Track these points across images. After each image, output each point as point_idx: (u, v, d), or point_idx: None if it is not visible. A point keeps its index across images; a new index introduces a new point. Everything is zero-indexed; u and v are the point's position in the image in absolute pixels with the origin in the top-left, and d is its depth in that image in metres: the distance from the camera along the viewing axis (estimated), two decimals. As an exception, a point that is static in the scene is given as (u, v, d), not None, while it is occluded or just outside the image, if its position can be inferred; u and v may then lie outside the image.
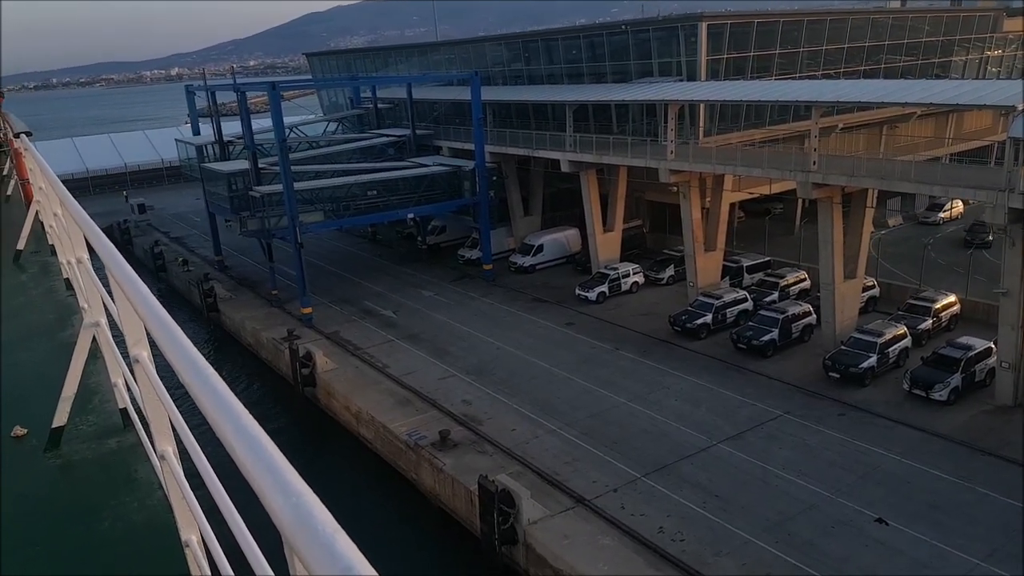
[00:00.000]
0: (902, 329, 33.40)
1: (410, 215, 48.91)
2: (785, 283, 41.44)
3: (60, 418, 5.23)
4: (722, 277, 43.15)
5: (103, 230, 4.20)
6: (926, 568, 21.09)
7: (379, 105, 59.90)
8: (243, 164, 46.44)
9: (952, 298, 36.87)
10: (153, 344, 2.87)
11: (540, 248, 50.97)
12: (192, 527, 3.19)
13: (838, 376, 31.93)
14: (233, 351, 45.60)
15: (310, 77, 79.55)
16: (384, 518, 28.59)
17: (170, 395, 3.06)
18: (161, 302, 2.80)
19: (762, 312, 36.99)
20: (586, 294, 44.11)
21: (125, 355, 3.66)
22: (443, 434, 29.03)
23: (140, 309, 2.79)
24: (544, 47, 54.71)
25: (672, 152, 39.64)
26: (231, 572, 2.39)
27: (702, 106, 44.12)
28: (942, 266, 43.71)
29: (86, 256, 5.31)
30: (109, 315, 4.61)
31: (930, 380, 29.75)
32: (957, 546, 21.79)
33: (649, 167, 41.16)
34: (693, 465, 26.97)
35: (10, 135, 18.46)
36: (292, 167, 43.85)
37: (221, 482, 2.28)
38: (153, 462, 3.80)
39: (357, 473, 31.98)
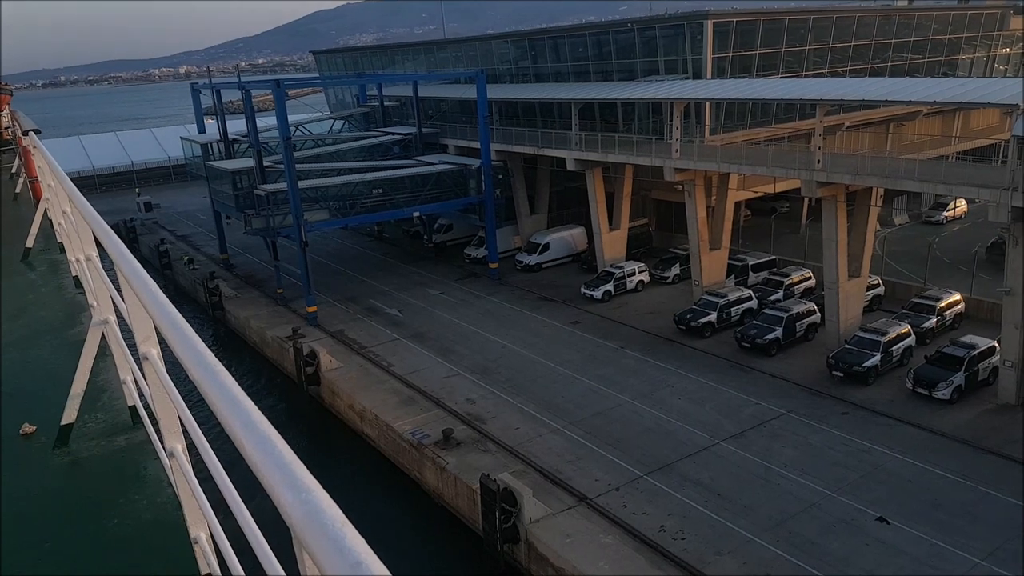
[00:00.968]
0: (906, 328, 33.35)
1: (415, 213, 49.03)
2: (790, 282, 41.40)
3: (69, 415, 5.26)
4: (727, 276, 43.14)
5: None
6: (927, 567, 21.11)
7: (385, 103, 60.05)
8: (248, 162, 46.67)
9: (956, 296, 36.79)
10: (162, 341, 2.88)
11: (546, 247, 51.06)
12: (201, 524, 3.23)
13: (842, 375, 31.93)
14: (238, 350, 45.86)
15: (317, 75, 79.68)
16: (387, 517, 28.76)
17: (179, 392, 3.08)
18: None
19: (766, 311, 36.99)
20: (592, 293, 44.17)
21: (134, 352, 3.69)
22: (446, 433, 29.17)
23: (149, 306, 2.80)
24: (551, 45, 54.71)
25: (677, 151, 39.63)
26: (240, 569, 2.41)
27: (708, 104, 44.06)
28: (947, 264, 43.57)
29: (95, 253, 5.33)
30: (118, 312, 4.63)
31: (933, 379, 29.72)
32: (958, 545, 21.80)
33: (654, 166, 41.16)
34: (696, 464, 27.03)
35: (19, 133, 18.63)
36: (297, 165, 44.05)
37: (230, 479, 2.29)
38: (162, 459, 3.83)
39: (361, 472, 32.12)
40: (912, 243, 48.20)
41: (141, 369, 3.59)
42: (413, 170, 49.06)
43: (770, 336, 35.10)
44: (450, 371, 36.11)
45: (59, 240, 10.63)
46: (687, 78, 44.83)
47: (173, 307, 2.65)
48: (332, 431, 35.26)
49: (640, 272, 45.51)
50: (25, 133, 14.23)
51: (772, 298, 39.70)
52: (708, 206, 41.71)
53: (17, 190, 17.72)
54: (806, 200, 48.93)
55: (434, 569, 26.44)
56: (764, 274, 43.37)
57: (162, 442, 3.39)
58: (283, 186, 42.87)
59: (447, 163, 50.37)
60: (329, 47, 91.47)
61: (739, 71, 45.55)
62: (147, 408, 4.73)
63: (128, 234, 67.04)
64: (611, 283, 44.28)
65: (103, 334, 5.18)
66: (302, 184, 43.23)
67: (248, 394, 1.96)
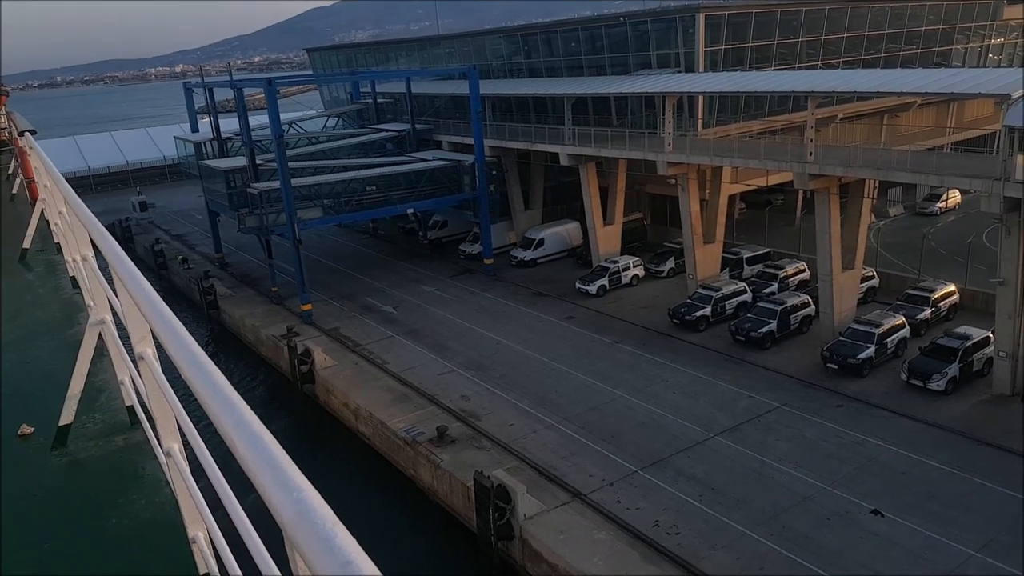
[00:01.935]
0: (900, 319, 33.31)
1: (410, 210, 48.96)
2: (784, 274, 41.35)
3: (67, 416, 5.24)
4: (722, 269, 43.08)
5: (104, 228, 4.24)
6: (921, 559, 21.10)
7: (379, 100, 59.89)
8: (241, 161, 46.54)
9: (951, 287, 36.74)
10: (157, 342, 2.91)
11: (541, 242, 50.99)
12: (199, 524, 3.22)
13: (836, 367, 31.90)
14: (233, 348, 45.82)
15: (311, 73, 79.51)
16: (382, 515, 28.73)
17: (175, 392, 3.08)
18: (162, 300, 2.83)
19: (760, 304, 36.95)
20: (586, 288, 44.12)
21: (131, 352, 3.69)
22: (441, 430, 29.13)
23: (144, 307, 2.81)
24: (543, 40, 54.54)
25: (670, 145, 39.53)
26: (238, 569, 2.41)
27: (700, 98, 43.94)
28: (942, 255, 43.52)
29: (91, 254, 5.31)
30: (115, 313, 4.63)
31: (928, 370, 29.68)
32: (952, 537, 21.78)
33: (647, 160, 41.06)
34: (690, 458, 27.01)
35: (15, 134, 18.55)
36: (291, 163, 43.93)
37: (226, 478, 2.30)
38: (159, 459, 3.81)
39: (356, 470, 32.11)
40: (906, 234, 48.18)
41: (138, 369, 3.59)
42: (407, 167, 48.97)
43: (764, 329, 35.05)
44: (445, 368, 36.06)
45: (56, 240, 10.60)
46: (680, 71, 44.70)
47: (167, 308, 2.66)
48: (327, 429, 35.22)
49: (635, 266, 45.45)
50: (21, 134, 14.18)
51: (766, 291, 39.65)
52: (702, 200, 41.63)
53: (14, 191, 17.65)
54: (801, 193, 48.86)
55: (429, 567, 26.42)
56: (759, 267, 43.32)
57: (159, 442, 3.39)
58: (276, 184, 42.77)
59: (441, 159, 50.27)
60: (325, 44, 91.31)
61: (732, 64, 45.41)
62: (144, 408, 4.72)
63: (123, 234, 66.91)
64: (606, 278, 44.22)
65: (100, 334, 5.18)
66: (295, 182, 43.12)
67: (243, 393, 1.95)
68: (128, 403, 5.43)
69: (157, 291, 2.90)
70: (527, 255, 50.48)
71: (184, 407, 2.99)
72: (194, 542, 3.31)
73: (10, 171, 20.26)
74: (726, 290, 38.75)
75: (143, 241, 64.35)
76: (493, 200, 50.10)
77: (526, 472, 26.59)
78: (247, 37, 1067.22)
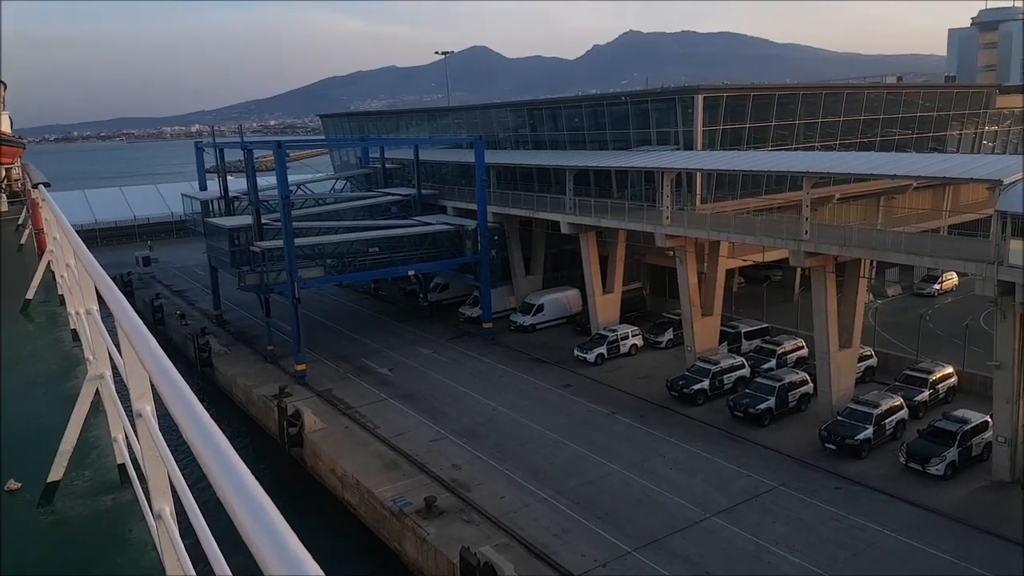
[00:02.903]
0: (899, 400, 33.01)
1: (411, 272, 49.26)
2: (783, 350, 41.23)
3: (56, 472, 5.13)
4: (720, 342, 42.98)
5: None
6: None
7: (387, 165, 61.00)
8: (246, 219, 47.12)
9: (949, 369, 36.54)
10: (157, 399, 2.85)
11: (541, 308, 51.10)
12: None
13: (834, 447, 31.44)
14: (224, 408, 45.22)
15: (323, 138, 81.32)
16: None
17: (171, 452, 3.02)
18: None
19: (759, 380, 36.69)
20: (585, 355, 43.96)
21: (128, 409, 3.64)
22: (429, 501, 28.47)
23: (147, 363, 2.77)
24: (549, 115, 55.95)
25: (668, 218, 40.01)
26: None
27: (698, 174, 44.71)
28: (940, 337, 43.44)
29: (95, 307, 5.31)
30: (114, 368, 4.59)
31: (926, 454, 29.24)
32: (953, 630, 21.05)
33: (646, 231, 41.51)
34: (685, 539, 26.33)
35: (29, 185, 18.85)
36: (297, 223, 44.41)
37: (218, 544, 2.23)
38: (148, 521, 3.74)
39: (340, 541, 31.11)
40: (904, 315, 48.23)
41: (133, 426, 3.53)
42: (410, 229, 49.49)
43: (763, 406, 34.72)
44: (437, 434, 35.59)
45: (60, 293, 10.62)
46: (678, 149, 45.60)
47: (171, 365, 2.61)
48: (313, 496, 34.39)
49: (634, 336, 45.39)
50: (35, 186, 14.41)
51: (765, 367, 39.45)
52: (700, 273, 41.87)
53: (22, 241, 17.83)
54: (799, 269, 49.16)
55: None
56: (757, 342, 43.22)
57: (150, 503, 3.31)
58: (279, 243, 43.14)
59: (444, 223, 50.84)
60: (339, 111, 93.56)
61: (729, 143, 46.38)
62: (136, 467, 4.63)
63: (125, 288, 67.18)
64: (604, 346, 44.10)
65: (97, 389, 5.13)
66: (298, 241, 43.51)
67: None
68: (120, 461, 5.32)
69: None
70: (527, 320, 50.50)
71: (178, 467, 2.95)
72: None
73: (19, 221, 20.52)
74: (724, 364, 38.57)
75: (143, 295, 64.55)
76: (494, 265, 50.48)
77: (516, 549, 25.84)
78: (264, 101, 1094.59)
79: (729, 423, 35.21)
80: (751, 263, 44.67)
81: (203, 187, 58.40)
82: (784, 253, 36.98)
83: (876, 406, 32.07)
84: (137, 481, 4.74)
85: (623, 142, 49.43)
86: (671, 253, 41.83)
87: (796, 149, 48.20)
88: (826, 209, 47.15)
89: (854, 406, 32.60)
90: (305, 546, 1.58)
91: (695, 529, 26.83)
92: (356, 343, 49.95)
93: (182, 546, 2.95)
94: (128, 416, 3.81)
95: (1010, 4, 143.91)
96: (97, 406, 5.58)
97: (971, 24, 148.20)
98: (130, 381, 3.42)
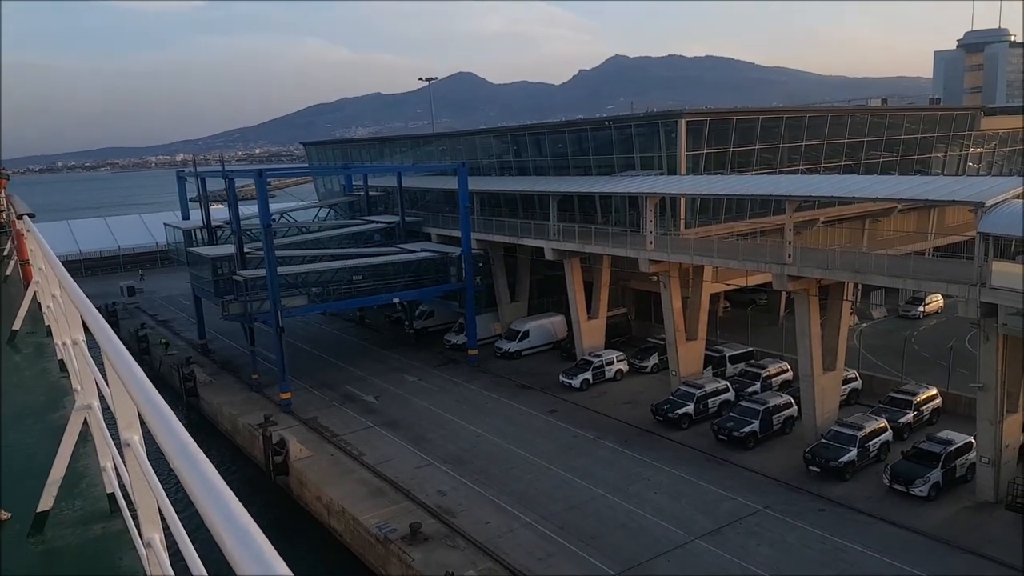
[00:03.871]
0: (883, 422, 33.10)
1: (396, 299, 49.18)
2: (767, 374, 41.32)
3: (46, 502, 5.12)
4: (705, 366, 43.05)
5: None
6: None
7: (370, 193, 61.15)
8: (229, 248, 46.96)
9: (933, 391, 36.71)
10: (145, 429, 2.87)
11: (526, 334, 51.06)
12: None
13: (818, 470, 31.42)
14: (210, 437, 44.73)
15: (305, 165, 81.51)
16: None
17: (159, 481, 3.03)
18: None
19: (743, 403, 36.73)
20: (570, 381, 43.89)
21: (116, 438, 3.65)
22: (414, 527, 28.24)
23: (134, 393, 2.78)
24: (532, 140, 56.38)
25: (651, 243, 40.26)
26: None
27: (682, 199, 45.07)
28: (924, 359, 43.70)
29: (82, 337, 5.31)
30: (102, 398, 4.58)
31: (910, 475, 29.27)
32: (939, 653, 20.92)
33: (630, 256, 41.70)
34: (669, 562, 26.17)
35: (13, 216, 18.81)
36: (280, 251, 44.34)
37: (208, 572, 2.22)
38: (139, 550, 3.69)
39: (326, 568, 30.88)
40: (889, 337, 48.53)
41: (122, 456, 3.55)
42: (393, 257, 49.52)
43: (747, 429, 34.71)
44: (423, 461, 35.33)
45: (46, 323, 10.60)
46: (662, 173, 46.01)
47: (158, 394, 2.64)
48: (299, 524, 34.04)
49: (619, 361, 45.38)
50: (19, 216, 14.40)
51: (749, 390, 39.51)
52: (684, 297, 42.03)
53: (7, 272, 17.77)
54: (784, 293, 49.50)
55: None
56: (742, 366, 43.31)
57: (139, 532, 3.30)
58: (262, 272, 43.02)
59: (428, 251, 50.91)
60: (325, 139, 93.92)
61: (713, 167, 46.82)
62: (126, 496, 4.62)
63: (109, 318, 66.65)
64: (589, 371, 44.07)
65: (85, 419, 5.14)
66: (281, 270, 43.41)
67: None
68: (109, 490, 5.33)
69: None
70: (512, 347, 50.43)
71: (167, 496, 2.96)
72: None
73: (4, 252, 20.47)
74: (709, 388, 38.60)
75: (128, 326, 64.05)
76: (479, 291, 50.50)
77: (500, 574, 25.68)
78: (249, 129, 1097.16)
79: (714, 447, 35.16)
80: (735, 287, 44.92)
81: (186, 216, 58.28)
82: (768, 277, 37.24)
83: (860, 428, 32.14)
84: (126, 510, 4.73)
85: (607, 167, 49.84)
86: (655, 278, 42.03)
87: (780, 172, 48.68)
88: (810, 232, 47.65)
89: (838, 428, 32.65)
90: (293, 573, 1.59)
91: (679, 552, 26.67)
92: (341, 371, 49.68)
93: (172, 574, 2.96)
94: (116, 445, 3.82)
95: (995, 26, 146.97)
96: (85, 436, 5.57)
97: (957, 46, 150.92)
98: (117, 411, 3.44)
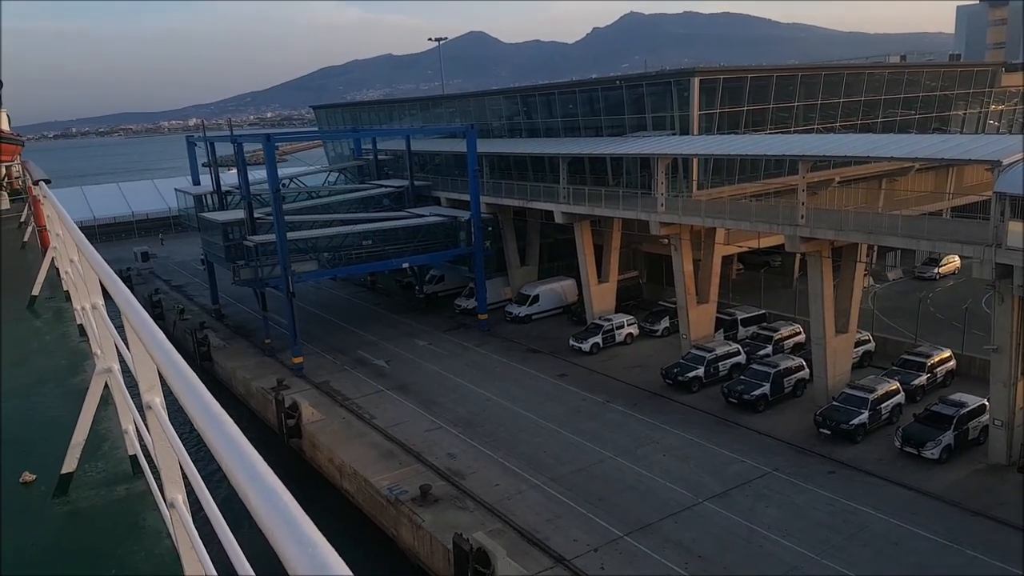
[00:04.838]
0: (895, 385, 32.83)
1: (405, 264, 49.11)
2: (779, 336, 41.03)
3: (70, 464, 5.25)
4: (716, 329, 42.80)
5: None
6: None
7: (379, 157, 60.72)
8: (239, 214, 46.93)
9: (947, 353, 36.32)
10: (166, 390, 2.89)
11: (536, 298, 50.92)
12: None
13: (829, 432, 31.31)
14: (224, 401, 45.03)
15: (313, 129, 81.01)
16: None
17: (181, 442, 3.06)
18: None
19: (754, 366, 36.54)
20: (580, 345, 43.82)
21: (137, 401, 3.68)
22: (424, 489, 28.51)
23: (155, 355, 2.80)
24: (543, 101, 55.52)
25: (662, 205, 39.76)
26: None
27: (695, 160, 44.37)
28: (940, 320, 43.21)
29: (101, 302, 5.37)
30: (122, 361, 4.67)
31: (922, 438, 29.09)
32: (946, 614, 20.97)
33: (641, 220, 41.24)
34: (677, 524, 26.30)
35: (29, 183, 18.83)
36: (288, 217, 44.24)
37: (232, 530, 2.24)
38: (162, 510, 3.79)
39: (338, 529, 31.23)
40: (904, 298, 47.98)
41: (144, 418, 3.60)
42: (402, 222, 49.29)
43: (757, 392, 34.58)
44: (433, 424, 35.57)
45: (65, 288, 10.74)
46: (674, 134, 45.24)
47: (179, 355, 2.64)
48: (312, 486, 34.47)
49: (629, 325, 45.21)
50: (35, 183, 14.45)
51: (761, 353, 39.28)
52: (696, 260, 41.62)
53: (25, 239, 17.88)
54: (798, 255, 48.96)
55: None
56: (754, 328, 43.03)
57: (162, 492, 3.36)
58: (272, 237, 42.99)
59: (437, 215, 50.62)
60: (335, 101, 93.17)
61: (727, 127, 45.96)
62: (148, 458, 4.72)
63: (124, 284, 67.04)
64: (599, 335, 43.95)
65: (106, 382, 5.23)
66: (291, 235, 43.37)
67: None
68: (131, 452, 5.46)
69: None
70: (522, 311, 50.35)
71: (189, 457, 2.97)
72: None
73: (22, 219, 20.55)
74: (720, 351, 38.40)
75: (142, 291, 64.45)
76: (489, 256, 50.27)
77: (509, 535, 25.90)
78: (260, 93, 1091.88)
79: (724, 410, 35.10)
80: (749, 249, 44.39)
81: (196, 182, 58.22)
82: (781, 239, 36.74)
83: (872, 391, 31.91)
84: (149, 471, 4.84)
85: (618, 128, 49.07)
86: (666, 241, 41.59)
87: (795, 132, 47.74)
88: (826, 192, 46.89)
89: (850, 391, 32.45)
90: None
91: (687, 514, 26.79)
92: (353, 335, 49.90)
93: (196, 533, 2.99)
94: (138, 408, 3.84)
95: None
96: (107, 399, 5.68)
97: (980, 0, 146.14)
98: (138, 373, 3.45)
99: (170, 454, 3.17)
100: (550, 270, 55.13)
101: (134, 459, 5.41)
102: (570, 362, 42.65)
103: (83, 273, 6.15)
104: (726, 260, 45.76)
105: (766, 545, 24.64)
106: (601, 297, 46.89)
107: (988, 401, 29.70)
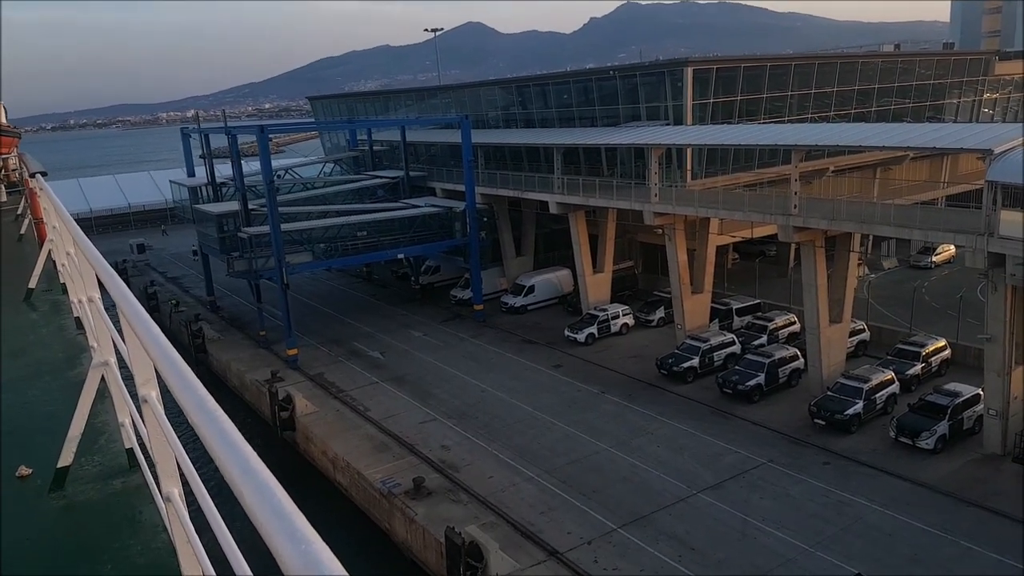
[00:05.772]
0: (890, 375, 32.77)
1: (400, 255, 48.96)
2: (774, 326, 40.96)
3: (66, 458, 5.24)
4: (711, 319, 42.72)
5: None
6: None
7: (374, 147, 60.47)
8: (234, 205, 46.74)
9: (942, 343, 36.27)
10: (162, 384, 2.88)
11: (531, 289, 50.81)
12: (196, 571, 3.13)
13: (823, 423, 31.28)
14: (218, 393, 44.87)
15: (309, 120, 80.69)
16: (354, 570, 27.82)
17: (177, 436, 3.06)
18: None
19: (748, 356, 36.47)
20: (575, 335, 43.75)
21: (133, 395, 3.69)
22: (417, 482, 28.47)
23: (151, 349, 2.80)
24: (537, 91, 55.26)
25: (656, 195, 39.59)
26: None
27: (688, 150, 44.17)
28: (934, 309, 43.13)
29: (97, 295, 5.38)
30: (119, 354, 4.66)
31: (916, 428, 29.06)
32: (938, 604, 20.97)
33: (635, 209, 41.09)
34: (671, 516, 26.27)
35: (26, 175, 18.74)
36: (283, 208, 44.03)
37: (227, 524, 2.24)
38: (158, 504, 3.82)
39: (332, 522, 31.10)
40: (899, 288, 47.89)
41: (140, 412, 3.60)
42: (397, 212, 49.12)
43: (752, 382, 34.52)
44: (427, 416, 35.51)
45: (62, 281, 10.76)
46: (668, 124, 45.02)
47: (174, 350, 2.64)
48: (305, 478, 34.48)
49: (624, 315, 45.13)
50: (32, 175, 14.37)
51: (756, 343, 39.22)
52: (690, 250, 41.49)
53: (22, 231, 17.83)
54: (792, 244, 48.84)
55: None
56: (748, 318, 42.95)
57: (158, 486, 3.36)
58: (266, 229, 42.81)
59: (432, 205, 50.44)
60: (333, 92, 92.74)
61: (721, 117, 45.73)
62: (144, 451, 4.71)
63: (119, 276, 66.84)
64: (594, 326, 43.87)
65: (103, 376, 5.22)
66: (286, 226, 43.18)
67: None
68: (127, 446, 5.45)
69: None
70: (517, 301, 50.25)
71: (185, 451, 2.96)
72: None
73: (18, 211, 20.47)
74: (714, 341, 38.33)
75: (138, 283, 64.27)
76: (484, 246, 50.13)
77: (502, 528, 25.87)
78: (258, 84, 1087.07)
79: (718, 400, 35.06)
80: (743, 239, 44.26)
81: (191, 173, 57.99)
82: (772, 229, 36.62)
83: (866, 381, 31.85)
84: (145, 465, 4.82)
85: (612, 118, 48.83)
86: (660, 231, 41.44)
87: (789, 121, 47.51)
88: (820, 182, 46.73)
89: (844, 381, 32.39)
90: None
91: (681, 506, 26.77)
92: (348, 327, 49.79)
93: (191, 527, 3.00)
94: (134, 401, 3.86)
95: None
96: (103, 392, 5.69)
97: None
98: (134, 367, 3.45)
99: (166, 448, 3.17)
100: (546, 260, 55.02)
101: (130, 453, 5.41)
102: (565, 352, 42.58)
103: (79, 266, 6.15)
104: (721, 250, 45.64)
105: (760, 536, 24.62)
106: (596, 287, 46.79)
107: (982, 390, 29.66)
